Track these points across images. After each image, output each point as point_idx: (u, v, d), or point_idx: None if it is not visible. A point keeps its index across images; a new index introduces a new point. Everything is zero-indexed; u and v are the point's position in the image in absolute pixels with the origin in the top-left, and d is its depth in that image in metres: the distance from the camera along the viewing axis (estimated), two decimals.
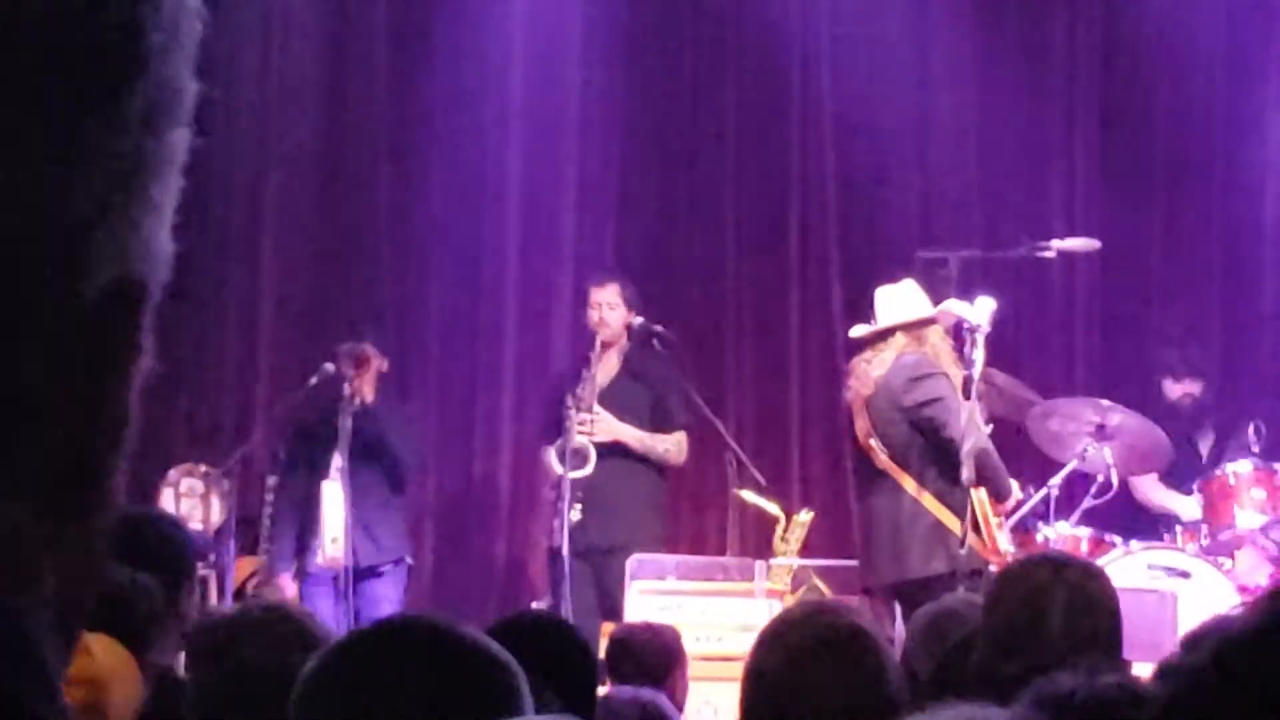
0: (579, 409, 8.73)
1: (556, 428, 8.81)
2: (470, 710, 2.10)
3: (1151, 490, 9.14)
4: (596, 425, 8.74)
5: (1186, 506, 8.83)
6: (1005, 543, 7.74)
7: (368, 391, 8.80)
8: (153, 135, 0.90)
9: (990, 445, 7.66)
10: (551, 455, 8.76)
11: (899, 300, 8.03)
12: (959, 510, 7.29)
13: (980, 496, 7.57)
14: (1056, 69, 10.96)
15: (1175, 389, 9.45)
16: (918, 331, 7.90)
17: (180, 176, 0.93)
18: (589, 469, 8.63)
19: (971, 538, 7.30)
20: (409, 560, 9.16)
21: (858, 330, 8.18)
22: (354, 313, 9.71)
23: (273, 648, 3.08)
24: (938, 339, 7.90)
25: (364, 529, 8.78)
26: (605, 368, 8.97)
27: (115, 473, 0.92)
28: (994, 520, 7.70)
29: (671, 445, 8.95)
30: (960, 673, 4.09)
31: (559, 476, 8.60)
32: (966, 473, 7.17)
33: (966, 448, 7.16)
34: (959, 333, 7.53)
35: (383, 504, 9.00)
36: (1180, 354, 9.61)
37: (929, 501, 7.65)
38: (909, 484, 7.71)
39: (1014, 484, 7.92)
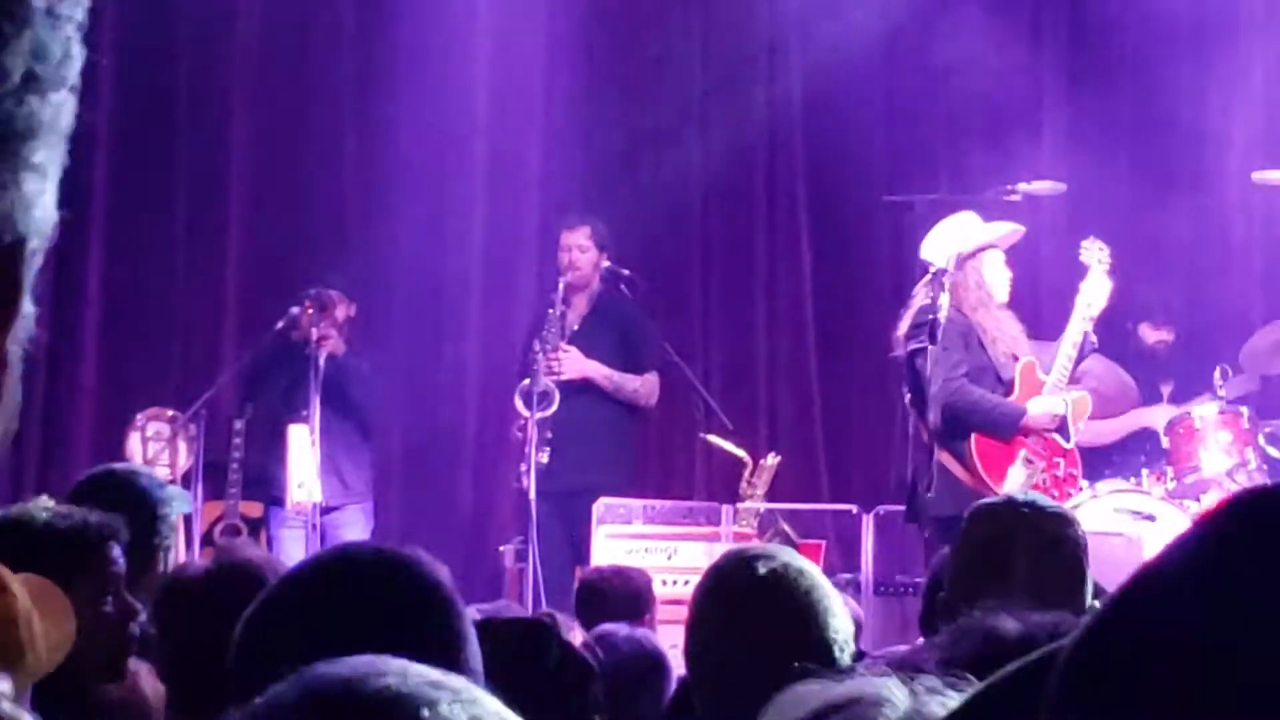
0: (545, 350, 8.72)
1: (527, 370, 8.80)
2: (415, 635, 2.10)
3: (1118, 423, 9.06)
4: (564, 362, 8.72)
5: (1159, 415, 8.79)
6: (1012, 482, 7.63)
7: (337, 342, 8.82)
8: (36, 97, 0.87)
9: (963, 393, 7.63)
10: (518, 397, 8.75)
11: (935, 238, 7.85)
12: (960, 455, 7.28)
13: (970, 444, 7.56)
14: (1025, 11, 10.95)
15: (1152, 334, 9.45)
16: (938, 276, 7.67)
17: (65, 140, 0.90)
18: (553, 408, 8.61)
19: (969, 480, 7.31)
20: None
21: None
22: (321, 257, 9.70)
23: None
24: (980, 270, 7.81)
25: (334, 470, 8.83)
26: (575, 310, 8.96)
27: None
28: (980, 465, 7.65)
29: (641, 385, 8.93)
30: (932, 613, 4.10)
31: (525, 418, 8.59)
32: (933, 416, 7.16)
33: (932, 391, 7.15)
34: (927, 275, 7.50)
35: (350, 447, 9.05)
36: (1160, 300, 9.61)
37: (938, 444, 7.61)
38: (924, 429, 7.68)
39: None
